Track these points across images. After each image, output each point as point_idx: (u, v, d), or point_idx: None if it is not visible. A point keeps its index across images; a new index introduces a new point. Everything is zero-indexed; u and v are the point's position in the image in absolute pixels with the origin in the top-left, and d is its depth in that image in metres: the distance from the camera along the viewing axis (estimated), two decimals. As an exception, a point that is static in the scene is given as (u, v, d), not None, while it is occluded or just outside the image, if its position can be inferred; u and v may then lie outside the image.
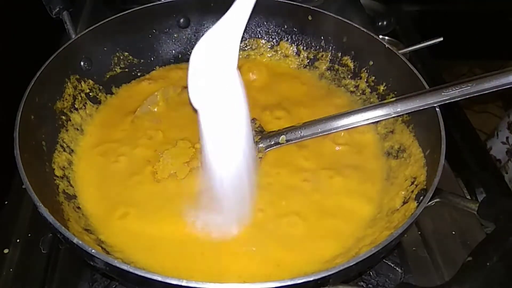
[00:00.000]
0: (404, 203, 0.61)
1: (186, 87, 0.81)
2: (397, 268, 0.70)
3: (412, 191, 0.61)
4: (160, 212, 0.62)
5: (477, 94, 0.61)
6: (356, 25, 0.80)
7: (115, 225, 0.61)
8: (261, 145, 0.70)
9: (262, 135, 0.71)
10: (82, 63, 0.76)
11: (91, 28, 0.77)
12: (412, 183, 0.63)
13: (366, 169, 0.70)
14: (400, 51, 0.76)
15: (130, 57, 0.84)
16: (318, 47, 0.86)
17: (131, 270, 0.45)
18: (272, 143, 0.70)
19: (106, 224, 0.61)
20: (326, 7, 1.12)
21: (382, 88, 0.78)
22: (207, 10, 0.88)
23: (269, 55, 0.90)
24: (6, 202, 0.76)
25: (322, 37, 0.85)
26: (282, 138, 0.69)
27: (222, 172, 0.58)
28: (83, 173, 0.68)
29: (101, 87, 0.80)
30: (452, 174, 0.84)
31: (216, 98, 0.55)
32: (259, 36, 0.90)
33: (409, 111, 0.65)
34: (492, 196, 0.64)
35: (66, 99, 0.73)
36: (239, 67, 0.58)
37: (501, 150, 1.27)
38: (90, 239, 0.57)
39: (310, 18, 0.84)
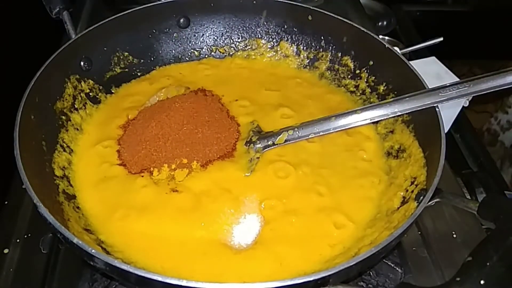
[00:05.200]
0: (404, 203, 0.61)
1: (188, 88, 0.82)
2: (397, 268, 0.70)
3: (412, 191, 0.61)
4: (160, 213, 0.62)
5: (474, 94, 0.62)
6: (356, 25, 0.80)
7: (115, 225, 0.61)
8: (258, 145, 0.70)
9: (260, 136, 0.71)
10: (82, 63, 0.76)
11: (91, 28, 0.77)
12: (412, 183, 0.63)
13: (366, 169, 0.70)
14: (400, 51, 0.76)
15: (130, 57, 0.84)
16: (318, 47, 0.86)
17: (131, 270, 0.45)
18: (270, 143, 0.70)
19: (106, 224, 0.61)
20: (326, 7, 1.13)
21: (382, 88, 0.78)
22: (207, 10, 0.88)
23: (269, 55, 0.90)
24: (6, 202, 0.76)
25: (322, 37, 0.85)
26: (280, 138, 0.69)
27: None
28: (82, 173, 0.68)
29: (101, 87, 0.80)
30: (452, 174, 0.84)
31: None
32: (259, 36, 0.90)
33: (407, 112, 0.65)
34: (492, 196, 0.63)
35: (66, 99, 0.73)
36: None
37: None
38: (90, 239, 0.57)
39: (310, 18, 0.84)
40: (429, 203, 0.54)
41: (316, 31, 0.85)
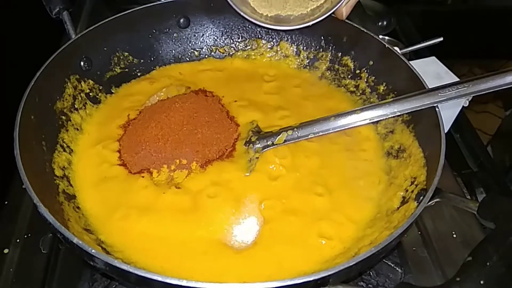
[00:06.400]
0: (404, 203, 0.61)
1: (189, 87, 0.82)
2: (397, 268, 0.70)
3: (412, 191, 0.61)
4: (160, 213, 0.62)
5: (474, 94, 0.62)
6: (356, 25, 0.80)
7: (115, 225, 0.61)
8: (258, 145, 0.70)
9: (259, 136, 0.71)
10: (82, 63, 0.77)
11: (91, 28, 0.77)
12: (412, 183, 0.63)
13: (365, 169, 0.70)
14: (400, 51, 0.76)
15: (130, 57, 0.84)
16: (318, 47, 0.86)
17: (131, 270, 0.45)
18: (269, 143, 0.70)
19: (106, 224, 0.61)
20: (326, 7, 1.12)
21: (382, 88, 0.78)
22: (207, 10, 0.88)
23: (269, 55, 0.90)
24: (6, 202, 0.76)
25: (322, 37, 0.85)
26: (279, 138, 0.69)
27: None
28: (82, 173, 0.68)
29: (101, 87, 0.80)
30: (452, 174, 0.84)
31: None
32: (259, 36, 0.90)
33: (406, 112, 0.65)
34: (492, 196, 0.63)
35: (66, 99, 0.73)
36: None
37: None
38: (90, 239, 0.57)
39: (310, 18, 0.84)
40: (429, 203, 0.54)
41: (316, 31, 0.85)
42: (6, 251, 0.69)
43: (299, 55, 0.89)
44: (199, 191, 0.64)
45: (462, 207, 0.59)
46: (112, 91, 0.82)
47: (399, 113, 0.65)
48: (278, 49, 0.89)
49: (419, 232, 0.74)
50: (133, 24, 0.83)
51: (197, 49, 0.90)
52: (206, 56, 0.91)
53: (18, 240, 0.71)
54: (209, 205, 0.63)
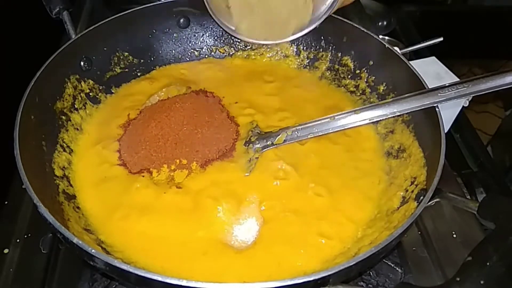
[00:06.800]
0: (404, 203, 0.61)
1: (190, 87, 0.82)
2: (397, 268, 0.70)
3: (412, 191, 0.61)
4: (160, 213, 0.62)
5: (473, 95, 0.62)
6: (356, 25, 0.80)
7: (115, 225, 0.61)
8: (257, 145, 0.70)
9: (259, 136, 0.71)
10: (82, 63, 0.77)
11: (91, 28, 0.77)
12: (412, 183, 0.63)
13: (366, 169, 0.70)
14: (400, 51, 0.76)
15: (130, 57, 0.84)
16: (318, 47, 0.86)
17: (131, 270, 0.45)
18: (269, 143, 0.70)
19: (106, 224, 0.61)
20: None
21: (382, 88, 0.78)
22: (207, 10, 0.88)
23: (269, 55, 0.90)
24: (6, 202, 0.76)
25: (322, 37, 0.85)
26: (279, 138, 0.69)
27: None
28: (82, 173, 0.68)
29: (101, 87, 0.80)
30: (452, 174, 0.84)
31: None
32: (259, 36, 0.89)
33: (406, 112, 0.65)
34: (492, 196, 0.64)
35: (66, 99, 0.73)
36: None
37: None
38: (90, 239, 0.57)
39: (310, 18, 0.84)
40: (429, 203, 0.54)
41: (316, 31, 0.85)
42: (6, 251, 0.69)
43: (299, 55, 0.89)
44: (199, 191, 0.64)
45: (462, 207, 0.59)
46: (112, 91, 0.82)
47: (399, 113, 0.65)
48: (278, 49, 0.89)
49: (419, 232, 0.74)
50: (133, 24, 0.83)
51: (197, 49, 0.90)
52: (206, 56, 0.91)
53: (18, 240, 0.70)
54: (209, 205, 0.63)
